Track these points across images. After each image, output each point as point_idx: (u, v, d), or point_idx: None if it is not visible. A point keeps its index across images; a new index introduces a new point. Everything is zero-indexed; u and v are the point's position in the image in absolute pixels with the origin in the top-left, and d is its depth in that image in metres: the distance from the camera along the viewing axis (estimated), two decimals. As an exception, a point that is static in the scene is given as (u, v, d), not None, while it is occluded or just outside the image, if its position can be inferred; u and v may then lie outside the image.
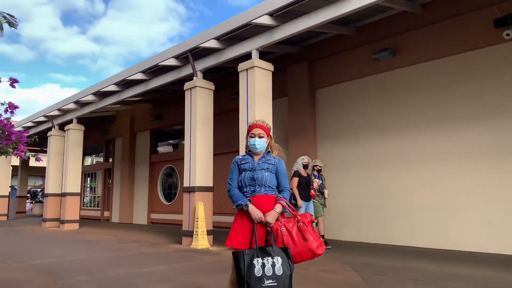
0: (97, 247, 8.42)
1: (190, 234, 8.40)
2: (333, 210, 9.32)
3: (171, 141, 15.94)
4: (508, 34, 6.80)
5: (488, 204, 7.01)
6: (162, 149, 15.91)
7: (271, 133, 3.17)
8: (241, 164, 3.04)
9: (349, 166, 9.20)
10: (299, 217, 2.88)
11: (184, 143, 9.42)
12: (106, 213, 18.06)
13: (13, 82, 3.60)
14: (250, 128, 3.09)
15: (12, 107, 3.64)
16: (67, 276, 5.23)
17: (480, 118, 7.26)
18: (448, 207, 7.49)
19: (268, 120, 7.69)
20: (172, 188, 15.04)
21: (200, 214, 8.22)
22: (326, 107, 9.82)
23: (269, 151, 3.09)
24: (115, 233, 11.52)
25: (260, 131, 3.06)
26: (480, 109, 7.28)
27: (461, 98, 7.54)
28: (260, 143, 3.03)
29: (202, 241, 8.07)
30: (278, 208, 2.88)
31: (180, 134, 14.77)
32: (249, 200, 2.88)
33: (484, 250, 6.95)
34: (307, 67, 9.94)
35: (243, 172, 3.00)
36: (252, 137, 3.05)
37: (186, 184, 8.79)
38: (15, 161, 22.03)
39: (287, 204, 2.91)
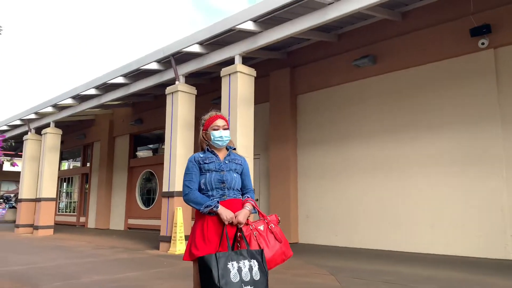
0: (72, 253, 8.18)
1: (168, 239, 8.26)
2: (311, 216, 9.34)
3: (151, 146, 15.72)
4: (483, 43, 7.00)
5: (454, 210, 7.15)
6: (142, 153, 15.67)
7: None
8: (204, 163, 2.72)
9: (327, 173, 9.24)
10: (269, 219, 2.72)
11: (164, 148, 9.29)
12: (82, 219, 17.62)
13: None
14: (211, 120, 2.80)
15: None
16: (41, 283, 5.06)
17: (457, 125, 7.43)
18: (417, 212, 7.62)
19: (250, 126, 7.68)
20: (150, 193, 14.80)
21: (179, 219, 8.10)
22: (307, 113, 9.86)
23: (234, 148, 2.87)
24: (91, 239, 11.23)
25: (224, 122, 2.79)
26: (450, 118, 7.47)
27: (437, 106, 7.69)
28: (227, 135, 2.77)
29: (179, 247, 7.95)
30: (248, 206, 2.66)
31: (160, 139, 14.59)
32: (218, 202, 2.61)
33: (452, 252, 7.11)
34: (289, 72, 9.99)
35: (208, 173, 2.69)
36: (216, 129, 2.76)
37: (165, 189, 8.66)
38: (-12, 165, 21.35)
39: (254, 205, 2.73)
